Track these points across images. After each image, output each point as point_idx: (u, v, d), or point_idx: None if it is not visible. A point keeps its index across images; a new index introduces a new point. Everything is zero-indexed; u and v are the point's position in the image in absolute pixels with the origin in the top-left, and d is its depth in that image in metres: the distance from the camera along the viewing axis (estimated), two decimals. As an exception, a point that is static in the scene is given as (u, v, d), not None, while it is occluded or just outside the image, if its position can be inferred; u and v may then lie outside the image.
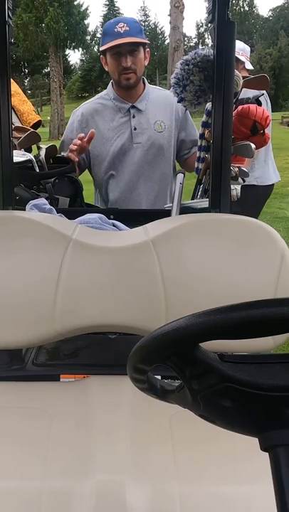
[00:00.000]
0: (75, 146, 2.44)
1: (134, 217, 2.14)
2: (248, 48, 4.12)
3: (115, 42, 2.44)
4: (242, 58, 3.83)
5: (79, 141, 2.43)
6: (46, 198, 2.17)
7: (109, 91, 2.71)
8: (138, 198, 2.72)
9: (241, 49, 3.90)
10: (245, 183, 2.26)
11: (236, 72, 1.96)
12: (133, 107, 2.65)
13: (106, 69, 2.62)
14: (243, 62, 3.85)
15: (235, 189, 2.20)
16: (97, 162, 2.71)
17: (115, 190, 2.72)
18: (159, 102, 2.70)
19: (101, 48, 2.54)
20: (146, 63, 2.59)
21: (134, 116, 2.65)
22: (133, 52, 2.49)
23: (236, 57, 3.71)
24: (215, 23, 1.83)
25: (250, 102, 2.11)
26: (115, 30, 2.44)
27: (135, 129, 2.64)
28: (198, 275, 1.62)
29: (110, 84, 2.71)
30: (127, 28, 2.43)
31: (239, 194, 2.24)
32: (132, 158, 2.67)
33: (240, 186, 2.25)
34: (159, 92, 2.78)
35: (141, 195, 2.72)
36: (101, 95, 2.77)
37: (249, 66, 3.96)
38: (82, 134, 2.46)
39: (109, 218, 2.03)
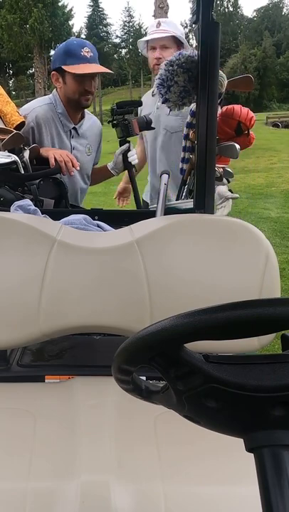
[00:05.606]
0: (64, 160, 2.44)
1: (119, 218, 2.14)
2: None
3: (87, 68, 2.44)
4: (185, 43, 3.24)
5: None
6: (31, 200, 2.16)
7: (56, 102, 2.64)
8: None
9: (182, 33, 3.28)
10: None
11: (221, 72, 1.96)
12: (74, 128, 2.69)
13: (56, 85, 2.60)
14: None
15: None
16: None
17: None
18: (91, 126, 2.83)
19: (66, 68, 2.46)
20: None
21: (72, 137, 2.70)
22: (94, 77, 2.54)
23: (180, 40, 3.11)
24: (199, 23, 1.83)
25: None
26: (82, 53, 2.43)
27: (74, 148, 2.70)
28: (182, 276, 1.62)
29: (56, 95, 2.64)
30: (92, 54, 2.46)
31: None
32: None
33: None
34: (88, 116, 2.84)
35: None
36: (50, 104, 2.66)
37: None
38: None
39: (94, 219, 2.02)
